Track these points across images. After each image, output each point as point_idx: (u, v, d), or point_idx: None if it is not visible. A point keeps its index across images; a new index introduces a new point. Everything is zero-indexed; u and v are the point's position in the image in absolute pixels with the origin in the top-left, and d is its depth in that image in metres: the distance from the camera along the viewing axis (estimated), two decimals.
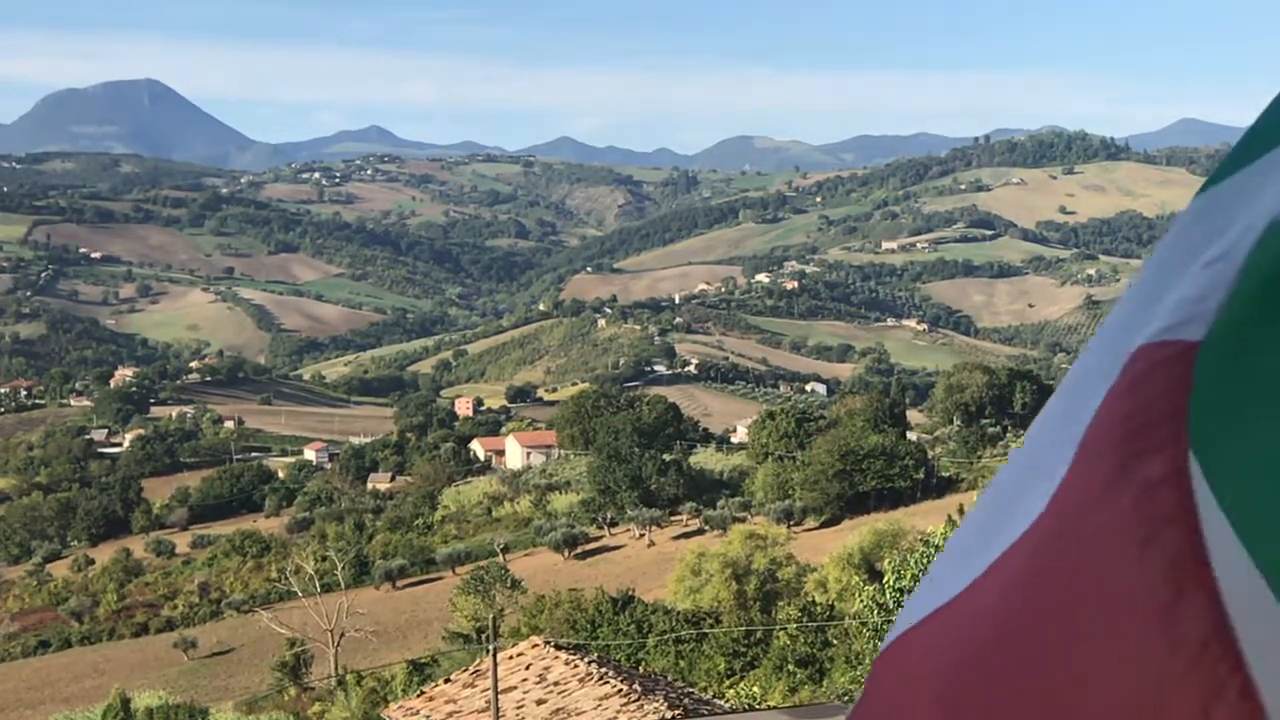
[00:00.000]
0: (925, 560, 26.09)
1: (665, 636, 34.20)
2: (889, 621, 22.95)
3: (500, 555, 64.26)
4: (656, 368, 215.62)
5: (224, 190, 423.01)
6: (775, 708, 24.76)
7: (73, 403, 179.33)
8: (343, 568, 60.11)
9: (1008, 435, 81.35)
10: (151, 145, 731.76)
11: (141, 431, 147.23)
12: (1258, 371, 1.11)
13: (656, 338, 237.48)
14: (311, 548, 68.90)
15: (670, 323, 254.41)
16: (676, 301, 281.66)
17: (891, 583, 27.71)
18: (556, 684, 21.26)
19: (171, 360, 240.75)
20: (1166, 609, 1.05)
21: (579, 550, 65.67)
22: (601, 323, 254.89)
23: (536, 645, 23.65)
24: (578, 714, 19.72)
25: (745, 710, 23.21)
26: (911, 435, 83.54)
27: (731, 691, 29.10)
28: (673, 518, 71.27)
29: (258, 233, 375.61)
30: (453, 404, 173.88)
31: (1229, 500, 1.07)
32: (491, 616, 34.94)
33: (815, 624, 31.36)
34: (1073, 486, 1.18)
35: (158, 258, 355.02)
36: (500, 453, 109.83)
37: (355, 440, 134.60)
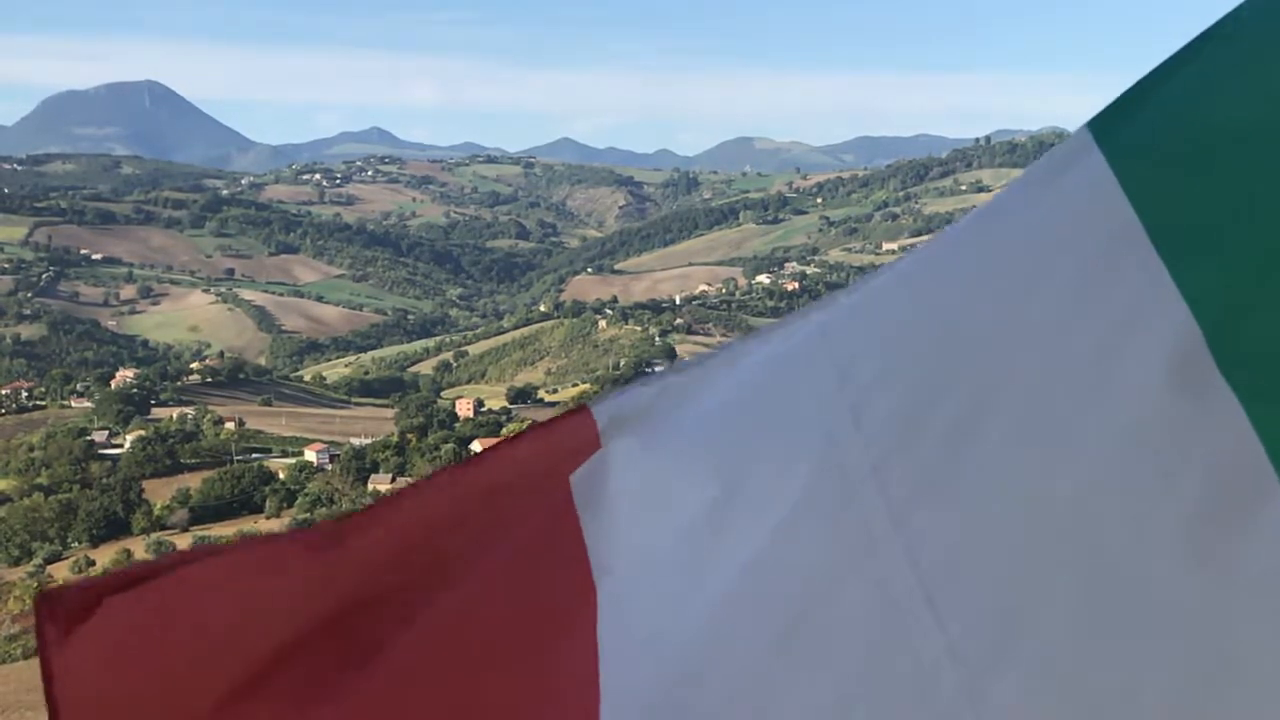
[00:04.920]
0: None
1: None
2: None
3: None
4: (657, 369, 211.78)
5: (225, 192, 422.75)
6: None
7: (73, 404, 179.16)
8: None
9: None
10: (152, 147, 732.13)
11: (142, 432, 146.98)
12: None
13: (657, 339, 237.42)
14: None
15: (671, 324, 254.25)
16: (677, 303, 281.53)
17: None
18: None
19: (172, 361, 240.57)
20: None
21: None
22: (602, 324, 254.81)
23: None
24: None
25: None
26: None
27: None
28: None
29: (258, 234, 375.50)
30: (453, 405, 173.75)
31: (1232, 371, 1.04)
32: None
33: None
34: None
35: (158, 259, 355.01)
36: None
37: (356, 441, 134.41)
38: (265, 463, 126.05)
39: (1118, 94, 1.28)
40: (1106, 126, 1.23)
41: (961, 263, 1.27)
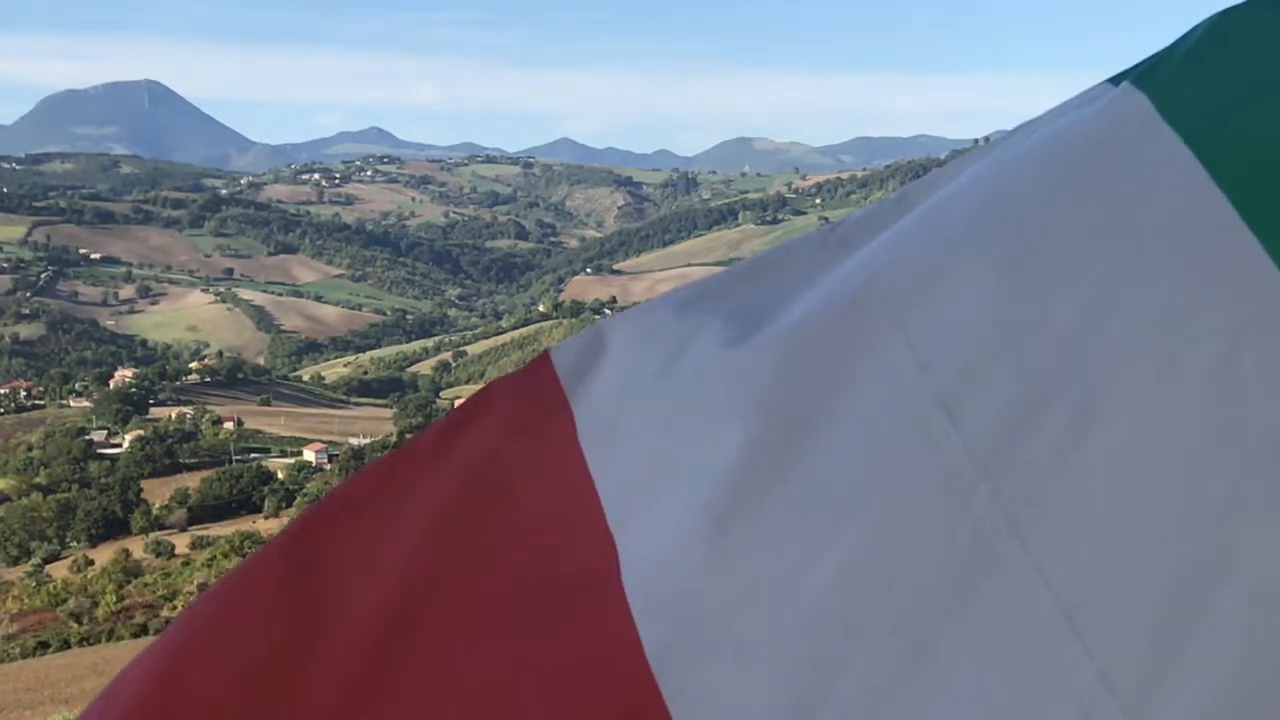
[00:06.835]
0: None
1: None
2: None
3: None
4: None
5: (224, 191, 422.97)
6: None
7: (72, 403, 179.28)
8: None
9: None
10: (151, 146, 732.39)
11: (141, 432, 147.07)
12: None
13: None
14: None
15: None
16: None
17: None
18: None
19: (171, 361, 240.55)
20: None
21: None
22: None
23: None
24: None
25: None
26: None
27: None
28: None
29: (257, 234, 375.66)
30: (452, 405, 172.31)
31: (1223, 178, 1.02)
32: None
33: None
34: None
35: (157, 259, 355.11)
36: None
37: (355, 441, 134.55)
38: (264, 463, 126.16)
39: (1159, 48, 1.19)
40: (1163, 91, 1.13)
41: (1038, 240, 1.13)
